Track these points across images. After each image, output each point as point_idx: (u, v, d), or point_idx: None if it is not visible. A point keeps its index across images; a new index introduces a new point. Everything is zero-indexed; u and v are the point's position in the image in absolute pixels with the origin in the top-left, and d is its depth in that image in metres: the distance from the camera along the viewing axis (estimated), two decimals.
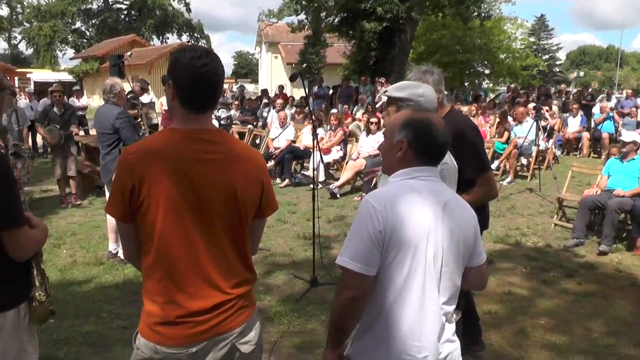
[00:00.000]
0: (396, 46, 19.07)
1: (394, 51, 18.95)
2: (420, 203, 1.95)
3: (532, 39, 54.97)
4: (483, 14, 25.75)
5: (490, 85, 33.95)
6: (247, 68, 70.40)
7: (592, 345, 4.39)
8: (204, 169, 1.95)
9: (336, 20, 20.75)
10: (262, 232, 2.27)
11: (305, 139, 11.13)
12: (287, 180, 10.63)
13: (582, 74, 57.32)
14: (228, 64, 78.11)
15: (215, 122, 12.36)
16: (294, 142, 11.40)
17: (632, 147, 7.25)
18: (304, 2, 20.39)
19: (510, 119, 12.15)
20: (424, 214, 1.94)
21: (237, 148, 2.07)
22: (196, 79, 1.92)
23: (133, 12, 52.34)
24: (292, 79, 6.23)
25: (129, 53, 17.69)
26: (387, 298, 1.93)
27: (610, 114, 14.42)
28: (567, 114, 14.55)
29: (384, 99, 3.30)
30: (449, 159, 2.86)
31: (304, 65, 13.33)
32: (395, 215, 1.89)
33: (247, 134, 13.51)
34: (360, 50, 19.93)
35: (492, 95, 23.63)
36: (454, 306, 2.06)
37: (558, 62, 61.33)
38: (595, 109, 15.43)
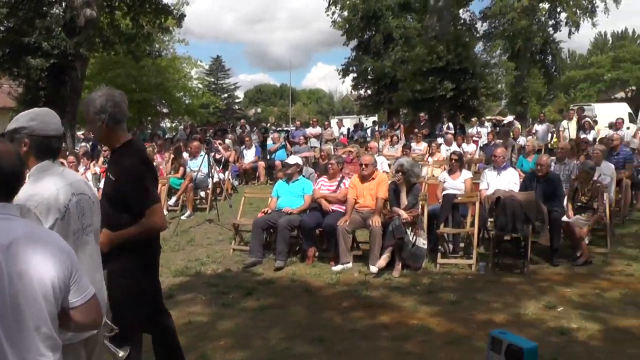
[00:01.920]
0: (67, 85, 18.29)
1: (64, 90, 18.13)
2: None
3: (210, 79, 57.97)
4: (155, 53, 26.38)
5: (174, 124, 34.71)
6: None
7: (270, 353, 4.80)
8: None
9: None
10: None
11: None
12: None
13: (260, 110, 62.43)
14: None
15: None
16: None
17: (295, 169, 8.18)
18: None
19: (186, 154, 12.56)
20: None
21: None
22: None
23: None
24: None
25: None
26: None
27: (284, 143, 16.07)
28: (243, 146, 15.67)
29: None
30: (87, 189, 2.85)
31: None
32: None
33: None
34: (28, 90, 18.63)
35: (173, 134, 24.26)
36: (54, 355, 1.93)
37: (237, 100, 65.34)
38: (269, 141, 16.99)
